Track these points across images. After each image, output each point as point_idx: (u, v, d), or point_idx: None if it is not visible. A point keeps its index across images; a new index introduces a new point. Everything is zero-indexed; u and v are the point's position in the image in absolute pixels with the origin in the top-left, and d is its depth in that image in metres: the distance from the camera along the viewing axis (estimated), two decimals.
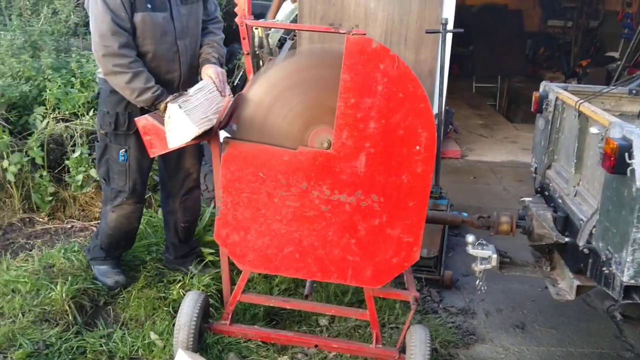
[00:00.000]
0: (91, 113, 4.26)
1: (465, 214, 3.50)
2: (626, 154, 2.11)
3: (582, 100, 2.82)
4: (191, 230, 3.48)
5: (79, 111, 4.19)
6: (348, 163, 2.57)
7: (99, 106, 3.05)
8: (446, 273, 3.81)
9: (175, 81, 3.01)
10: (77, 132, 4.04)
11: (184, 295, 3.19)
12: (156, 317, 3.08)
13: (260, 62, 7.09)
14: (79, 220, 4.12)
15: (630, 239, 2.09)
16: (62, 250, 3.45)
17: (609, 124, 2.36)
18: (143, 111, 2.95)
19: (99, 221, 4.11)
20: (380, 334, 2.85)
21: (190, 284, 3.27)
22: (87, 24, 6.39)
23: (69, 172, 4.12)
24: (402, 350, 2.81)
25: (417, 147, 2.54)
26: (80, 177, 3.97)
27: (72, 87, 4.33)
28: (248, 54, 2.58)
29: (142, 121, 2.47)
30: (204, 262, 3.49)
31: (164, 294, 3.23)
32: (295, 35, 6.39)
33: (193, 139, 2.46)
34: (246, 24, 2.62)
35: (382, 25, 5.95)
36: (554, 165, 3.31)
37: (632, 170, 2.08)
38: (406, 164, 2.55)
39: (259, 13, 9.58)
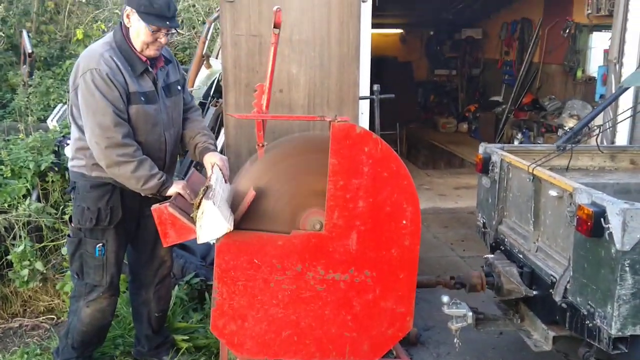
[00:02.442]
0: (27, 202, 4.03)
1: None
2: (601, 219, 2.39)
3: (535, 165, 3.12)
4: (164, 319, 3.37)
5: (19, 202, 3.94)
6: (340, 242, 2.67)
7: (76, 202, 2.93)
8: (411, 330, 3.94)
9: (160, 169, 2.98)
10: (17, 224, 3.79)
11: None
12: None
13: None
14: (23, 317, 3.83)
15: (615, 295, 2.35)
16: (24, 355, 3.20)
17: (574, 190, 2.65)
18: (124, 205, 2.89)
19: (47, 316, 3.87)
20: None
21: None
22: (3, 106, 6.06)
23: (9, 266, 3.84)
24: None
25: (404, 222, 2.69)
26: (25, 271, 3.72)
27: (2, 176, 4.07)
28: (263, 145, 2.62)
29: (158, 211, 2.42)
30: (179, 350, 3.38)
31: None
32: (217, 102, 6.43)
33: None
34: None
35: (305, 89, 6.12)
36: (505, 222, 3.59)
37: (610, 234, 2.36)
38: (395, 238, 2.69)
39: None
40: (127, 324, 3.56)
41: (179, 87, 3.06)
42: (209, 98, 7.05)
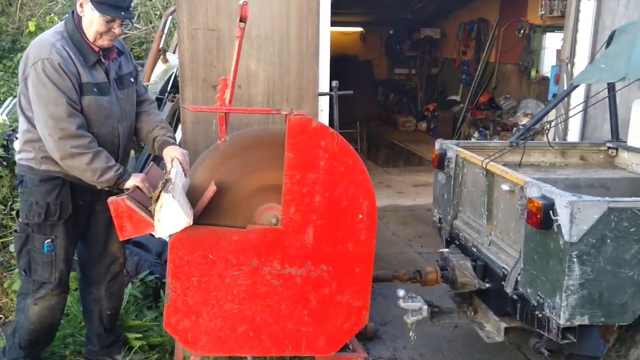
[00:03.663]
0: None
1: None
2: (550, 212, 2.45)
3: (488, 160, 3.17)
4: (116, 317, 3.30)
5: None
6: (297, 237, 2.66)
7: (24, 196, 2.83)
8: (368, 325, 3.97)
9: None
10: None
11: None
12: None
13: None
14: None
15: (564, 286, 2.40)
16: None
17: (525, 183, 2.71)
18: (74, 199, 2.82)
19: None
20: None
21: None
22: None
23: None
24: None
25: (360, 216, 2.70)
26: None
27: None
28: (225, 140, 2.58)
29: (115, 203, 2.37)
30: (132, 348, 3.31)
31: None
32: (174, 97, 6.34)
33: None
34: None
35: (264, 86, 6.09)
36: (460, 216, 3.64)
37: (559, 226, 2.41)
38: (351, 233, 2.70)
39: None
40: (77, 322, 3.47)
41: (132, 79, 3.01)
42: (166, 93, 6.94)
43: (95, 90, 2.77)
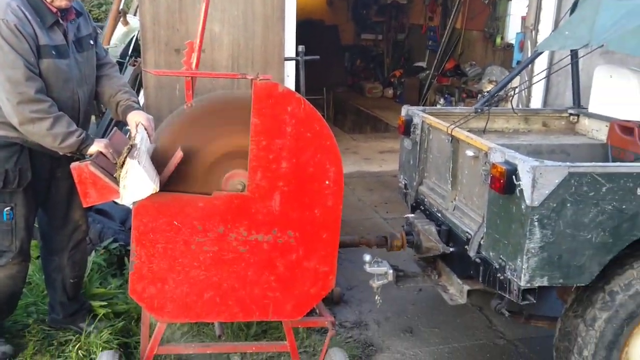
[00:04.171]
0: None
1: None
2: (513, 176, 2.49)
3: (453, 126, 3.20)
4: (80, 285, 3.26)
5: None
6: (263, 203, 2.64)
7: None
8: (335, 290, 4.02)
9: None
10: None
11: (84, 356, 3.00)
12: None
13: None
14: None
15: (524, 249, 2.46)
16: None
17: (489, 149, 2.74)
18: (34, 166, 2.74)
19: None
20: None
21: (87, 342, 3.06)
22: None
23: None
24: None
25: (327, 182, 2.70)
26: None
27: None
28: (191, 105, 2.53)
29: (78, 169, 2.31)
30: (97, 316, 3.28)
31: (60, 359, 2.99)
32: (136, 61, 6.18)
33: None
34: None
35: (229, 50, 5.97)
36: (425, 182, 3.68)
37: (521, 191, 2.46)
38: (318, 199, 2.70)
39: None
40: (40, 291, 3.42)
41: (91, 42, 2.91)
42: (127, 57, 6.76)
43: (54, 52, 2.67)
